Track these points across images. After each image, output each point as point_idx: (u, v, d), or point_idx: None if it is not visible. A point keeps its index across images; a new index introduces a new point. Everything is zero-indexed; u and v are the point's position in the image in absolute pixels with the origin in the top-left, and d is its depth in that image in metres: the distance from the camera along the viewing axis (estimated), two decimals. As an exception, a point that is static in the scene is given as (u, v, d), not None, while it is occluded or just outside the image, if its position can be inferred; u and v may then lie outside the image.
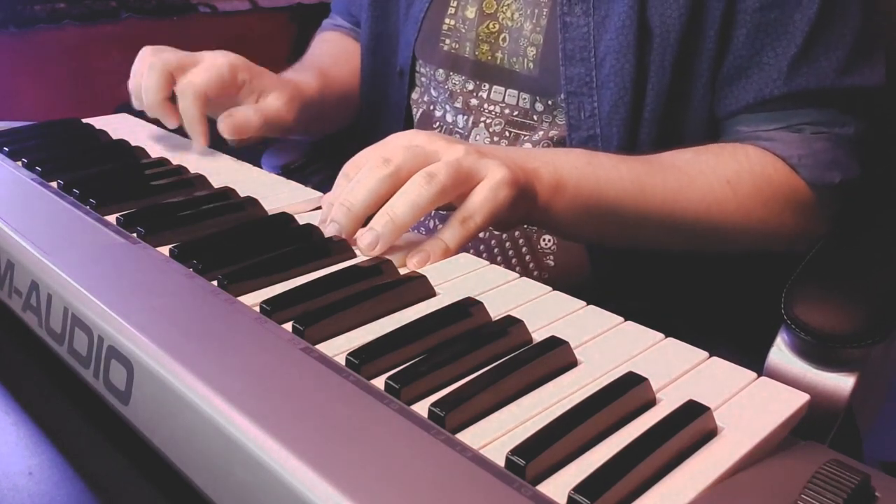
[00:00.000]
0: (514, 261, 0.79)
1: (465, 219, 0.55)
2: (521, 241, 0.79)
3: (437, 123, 0.85)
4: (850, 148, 0.71)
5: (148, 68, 0.73)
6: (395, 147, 0.57)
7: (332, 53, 0.96)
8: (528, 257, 0.79)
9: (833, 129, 0.70)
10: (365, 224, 0.55)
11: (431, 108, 0.86)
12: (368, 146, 0.59)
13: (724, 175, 0.68)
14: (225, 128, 0.73)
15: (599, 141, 0.73)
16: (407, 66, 0.86)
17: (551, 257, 0.78)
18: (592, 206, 0.63)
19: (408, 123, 0.89)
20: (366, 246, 0.53)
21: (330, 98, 0.87)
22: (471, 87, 0.81)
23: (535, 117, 0.77)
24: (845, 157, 0.70)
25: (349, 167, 0.59)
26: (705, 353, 0.43)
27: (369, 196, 0.54)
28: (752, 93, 0.70)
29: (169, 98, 0.74)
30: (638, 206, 0.65)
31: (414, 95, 0.88)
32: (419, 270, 0.52)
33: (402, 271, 0.52)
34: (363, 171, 0.55)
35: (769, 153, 0.70)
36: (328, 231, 0.55)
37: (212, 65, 0.73)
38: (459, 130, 0.82)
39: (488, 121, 0.80)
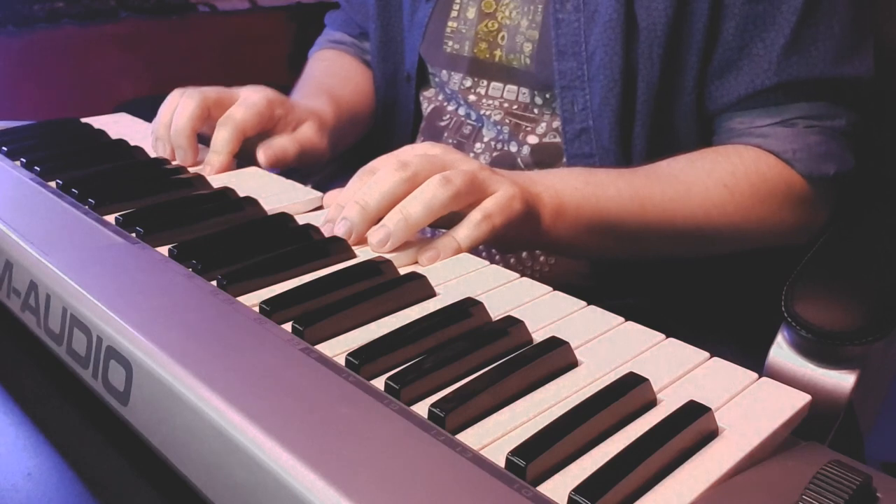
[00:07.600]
0: None
1: (481, 220, 0.55)
2: None
3: (448, 116, 0.86)
4: (843, 140, 0.71)
5: (186, 96, 0.71)
6: (412, 154, 0.57)
7: (335, 74, 0.95)
8: None
9: (825, 123, 0.71)
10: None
11: (445, 104, 0.87)
12: (384, 153, 0.59)
13: (720, 179, 0.69)
14: (265, 158, 0.72)
15: (592, 133, 0.74)
16: (414, 70, 0.87)
17: None
18: (594, 225, 0.64)
19: (416, 124, 0.90)
20: (377, 242, 0.53)
21: (344, 120, 0.87)
22: (468, 83, 0.82)
23: (535, 111, 0.79)
24: (839, 149, 0.71)
25: (364, 171, 0.59)
26: (706, 354, 0.43)
27: (384, 197, 0.54)
28: (745, 84, 0.70)
29: (197, 133, 0.72)
30: (638, 221, 0.66)
31: (427, 94, 0.89)
32: (420, 270, 0.52)
33: (403, 271, 0.51)
34: (379, 174, 0.55)
35: (762, 151, 0.70)
36: (337, 229, 0.55)
37: (251, 102, 0.72)
38: (472, 123, 0.83)
39: (488, 112, 0.81)
